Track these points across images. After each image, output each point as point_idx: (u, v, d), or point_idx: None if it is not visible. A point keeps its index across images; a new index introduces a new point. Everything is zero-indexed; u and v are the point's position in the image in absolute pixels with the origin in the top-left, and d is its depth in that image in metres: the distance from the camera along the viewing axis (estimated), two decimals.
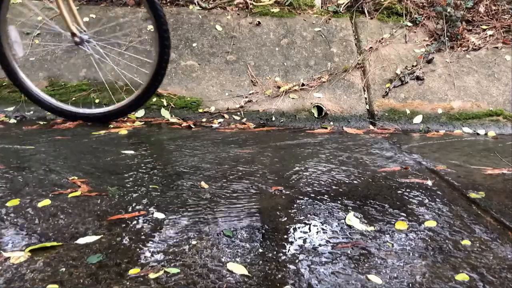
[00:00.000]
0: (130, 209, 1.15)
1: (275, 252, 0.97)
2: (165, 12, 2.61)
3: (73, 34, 2.05)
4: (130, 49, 2.47)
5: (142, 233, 1.03)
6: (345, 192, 1.32)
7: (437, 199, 1.29)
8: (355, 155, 1.73)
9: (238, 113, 2.31)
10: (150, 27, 2.56)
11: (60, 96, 2.33)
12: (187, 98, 2.33)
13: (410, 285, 0.86)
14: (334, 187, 1.36)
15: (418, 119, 2.31)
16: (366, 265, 0.93)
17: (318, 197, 1.28)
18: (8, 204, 1.16)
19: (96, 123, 2.13)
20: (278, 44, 2.60)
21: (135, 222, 1.09)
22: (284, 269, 0.90)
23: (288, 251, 0.97)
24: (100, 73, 2.32)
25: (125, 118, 2.25)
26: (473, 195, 1.33)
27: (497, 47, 2.61)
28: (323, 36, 2.64)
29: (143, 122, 2.18)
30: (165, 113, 2.28)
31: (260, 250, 0.97)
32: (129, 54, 2.41)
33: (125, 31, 2.57)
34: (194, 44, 2.56)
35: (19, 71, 2.11)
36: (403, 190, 1.36)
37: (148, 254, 0.94)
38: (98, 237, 1.00)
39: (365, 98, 2.42)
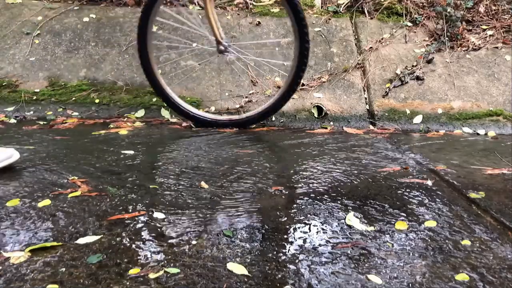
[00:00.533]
0: (130, 209, 1.15)
1: (275, 252, 0.97)
2: (165, 12, 2.61)
3: (219, 42, 2.05)
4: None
5: (142, 233, 1.03)
6: (345, 192, 1.32)
7: (437, 199, 1.29)
8: (355, 155, 1.73)
9: (238, 113, 2.31)
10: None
11: (60, 96, 2.33)
12: (187, 98, 2.33)
13: (410, 285, 0.86)
14: (334, 187, 1.36)
15: (418, 119, 2.31)
16: (366, 265, 0.93)
17: (318, 197, 1.28)
18: (8, 204, 1.16)
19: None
20: (278, 44, 2.60)
21: (135, 222, 1.09)
22: (284, 269, 0.90)
23: (288, 251, 0.97)
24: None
25: (125, 118, 2.25)
26: (473, 195, 1.33)
27: (497, 47, 2.60)
28: (323, 36, 2.64)
29: (143, 122, 2.18)
30: (165, 113, 2.28)
31: (260, 250, 0.97)
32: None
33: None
34: (194, 44, 2.56)
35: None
36: (403, 190, 1.36)
37: (148, 254, 0.94)
38: (98, 237, 1.00)
39: (365, 98, 2.42)
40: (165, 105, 2.18)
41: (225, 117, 2.16)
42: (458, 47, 2.61)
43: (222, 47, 2.07)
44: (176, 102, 2.11)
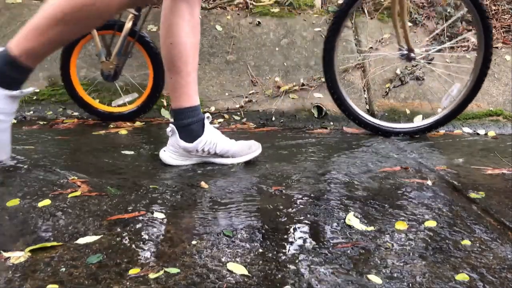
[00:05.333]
0: (130, 209, 1.15)
1: (275, 252, 0.97)
2: None
3: (411, 50, 2.04)
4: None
5: (142, 233, 1.03)
6: (345, 192, 1.32)
7: (437, 199, 1.29)
8: (355, 155, 1.73)
9: (238, 113, 2.31)
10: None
11: (60, 96, 2.33)
12: None
13: (410, 285, 0.86)
14: (334, 187, 1.36)
15: (418, 119, 2.31)
16: (366, 265, 0.93)
17: (318, 197, 1.28)
18: (8, 204, 1.16)
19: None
20: (278, 44, 2.60)
21: (135, 222, 1.09)
22: (284, 269, 0.90)
23: (288, 251, 0.97)
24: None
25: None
26: (473, 195, 1.33)
27: (497, 47, 2.60)
28: (323, 36, 2.64)
29: (143, 122, 2.17)
30: (165, 113, 2.28)
31: (260, 250, 0.97)
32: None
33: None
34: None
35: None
36: (403, 190, 1.36)
37: (148, 254, 0.94)
38: (98, 237, 1.00)
39: (365, 98, 2.42)
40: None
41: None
42: (458, 47, 2.61)
43: (413, 55, 2.05)
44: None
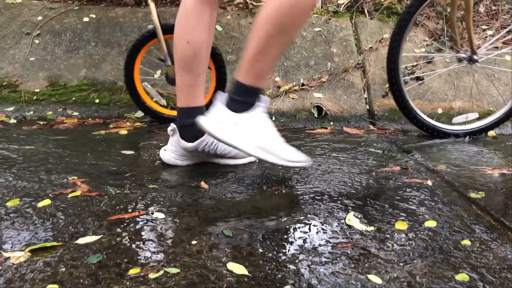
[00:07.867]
0: (130, 209, 1.15)
1: (275, 252, 0.97)
2: (165, 12, 2.61)
3: (474, 53, 2.04)
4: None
5: (142, 233, 1.03)
6: (345, 192, 1.32)
7: (437, 199, 1.29)
8: (355, 155, 1.73)
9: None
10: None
11: (60, 96, 2.33)
12: None
13: (410, 285, 0.86)
14: (334, 187, 1.36)
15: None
16: (366, 265, 0.93)
17: (318, 197, 1.28)
18: (8, 204, 1.16)
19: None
20: None
21: (135, 222, 1.09)
22: (284, 269, 0.90)
23: (288, 251, 0.97)
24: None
25: (125, 119, 2.25)
26: (473, 195, 1.33)
27: (497, 47, 2.60)
28: (323, 36, 2.64)
29: (143, 122, 2.18)
30: None
31: (260, 250, 0.97)
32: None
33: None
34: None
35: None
36: (403, 190, 1.36)
37: (148, 254, 0.94)
38: (98, 237, 1.00)
39: (365, 98, 2.42)
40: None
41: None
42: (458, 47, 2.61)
43: (476, 57, 2.05)
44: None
